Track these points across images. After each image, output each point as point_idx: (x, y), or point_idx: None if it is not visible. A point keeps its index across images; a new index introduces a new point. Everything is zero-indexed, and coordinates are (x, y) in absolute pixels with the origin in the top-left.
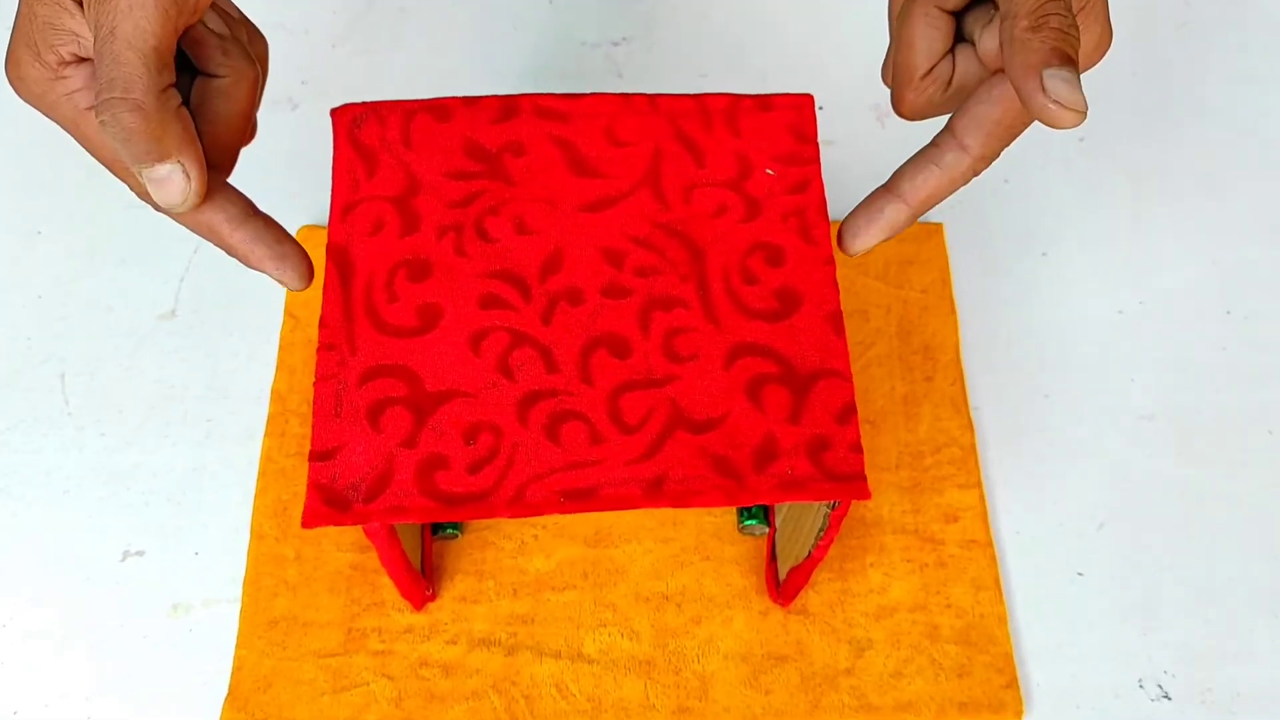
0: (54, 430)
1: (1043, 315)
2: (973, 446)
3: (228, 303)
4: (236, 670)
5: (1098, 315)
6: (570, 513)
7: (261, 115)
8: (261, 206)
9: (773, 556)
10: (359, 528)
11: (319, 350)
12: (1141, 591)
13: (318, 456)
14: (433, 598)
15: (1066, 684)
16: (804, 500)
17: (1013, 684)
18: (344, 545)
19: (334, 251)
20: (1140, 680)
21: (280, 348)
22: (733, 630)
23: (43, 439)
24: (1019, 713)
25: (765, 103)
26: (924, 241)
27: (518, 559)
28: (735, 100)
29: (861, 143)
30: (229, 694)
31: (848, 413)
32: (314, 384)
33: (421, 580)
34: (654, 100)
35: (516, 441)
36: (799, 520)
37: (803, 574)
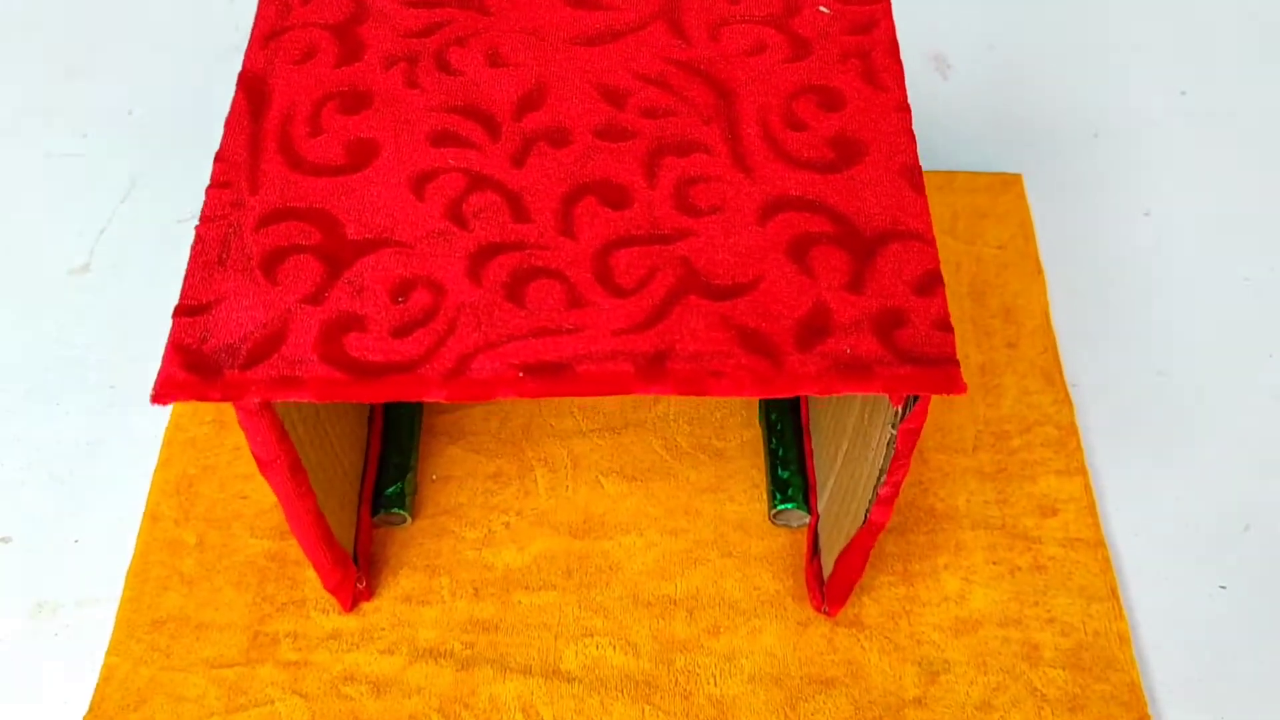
0: None
1: (1150, 281)
2: (1073, 425)
3: (154, 257)
4: (103, 682)
5: (1219, 282)
6: (531, 396)
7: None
8: (203, 151)
9: (815, 551)
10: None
11: (208, 189)
12: None
13: (185, 311)
14: (367, 595)
15: None
16: (867, 390)
17: None
18: (261, 530)
19: (247, 81)
20: None
21: None
22: (761, 645)
23: None
24: None
25: None
26: (999, 193)
27: (482, 551)
28: None
29: (921, 100)
30: (90, 710)
31: (930, 282)
32: (196, 227)
33: (346, 558)
34: None
35: (464, 302)
36: (852, 475)
37: (857, 556)
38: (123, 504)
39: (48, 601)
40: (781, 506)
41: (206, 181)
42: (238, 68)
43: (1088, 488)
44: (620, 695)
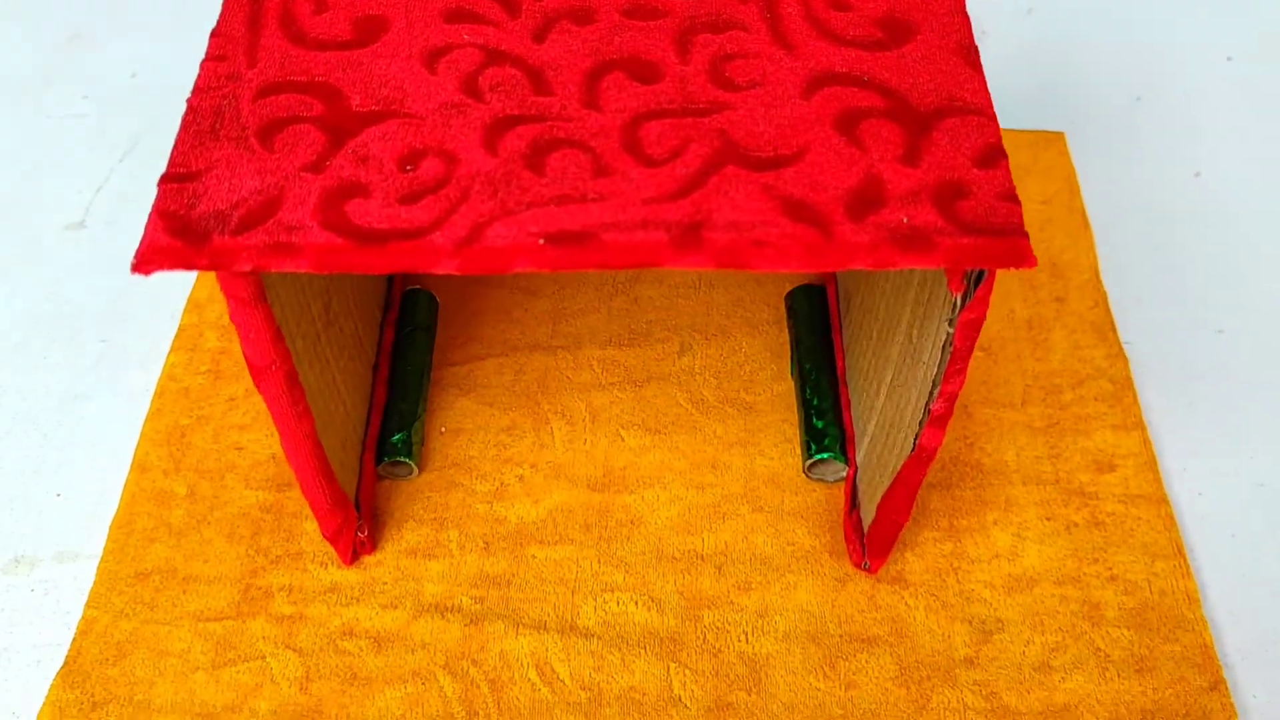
0: None
1: (1204, 242)
2: (1128, 379)
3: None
4: (81, 634)
5: (1276, 244)
6: (552, 268)
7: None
8: None
9: (854, 504)
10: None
11: (203, 63)
12: None
13: (173, 178)
14: (369, 548)
15: None
16: (927, 264)
17: (1219, 685)
18: (256, 480)
19: None
20: None
21: None
22: (796, 602)
23: None
24: None
25: None
26: (1041, 150)
27: (494, 505)
28: None
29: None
30: (64, 665)
31: (993, 155)
32: (187, 100)
33: (346, 501)
34: None
35: (479, 171)
36: (898, 406)
37: (902, 496)
38: (109, 459)
39: (25, 556)
40: (818, 457)
41: None
42: None
43: (1146, 442)
44: (643, 651)
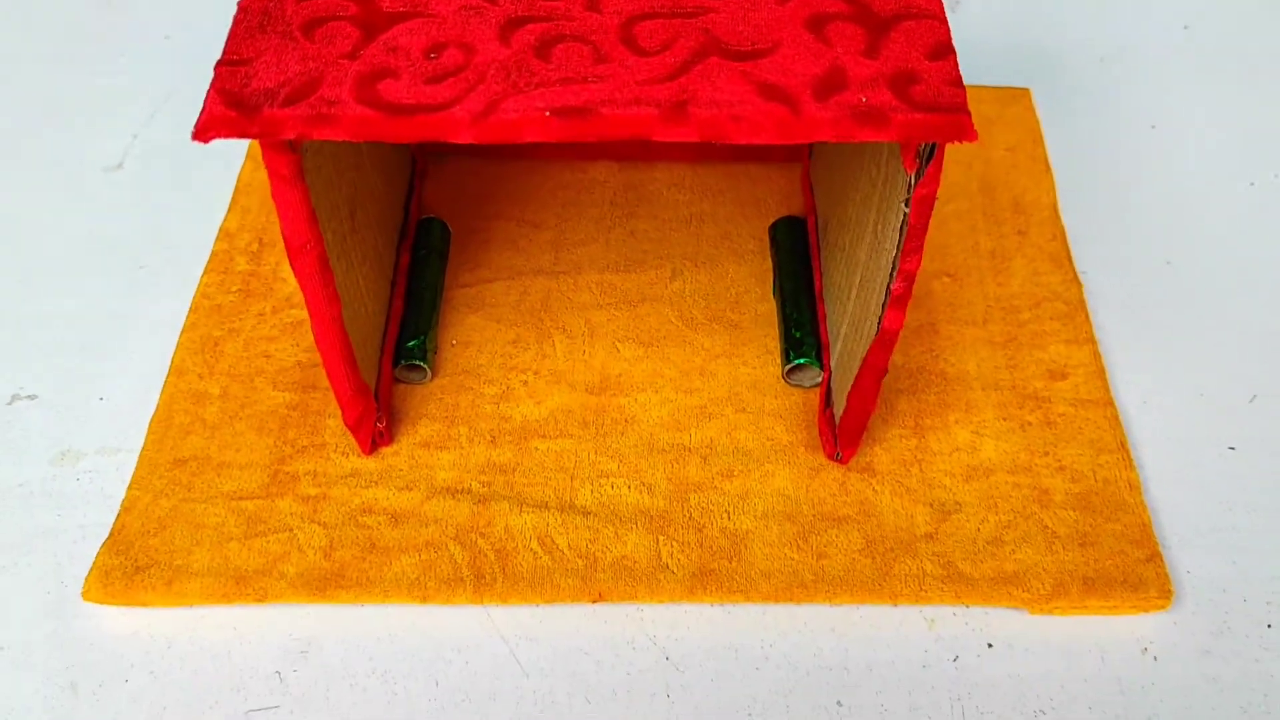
0: None
1: (1157, 186)
2: (1081, 302)
3: (184, 159)
4: (125, 511)
5: (1225, 187)
6: (556, 138)
7: None
8: None
9: (828, 404)
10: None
11: None
12: None
13: (228, 63)
14: (386, 440)
15: (1226, 572)
16: (882, 136)
17: (1155, 558)
18: (283, 383)
19: None
20: None
21: (237, 189)
22: (773, 486)
23: None
24: (1165, 593)
25: None
26: (1007, 104)
27: (500, 405)
28: None
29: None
30: (109, 537)
31: (943, 50)
32: (238, 4)
33: (367, 390)
34: None
35: (493, 59)
36: (865, 303)
37: (869, 380)
38: (148, 367)
39: (70, 450)
40: (796, 362)
41: None
42: None
43: (1096, 355)
44: (634, 527)
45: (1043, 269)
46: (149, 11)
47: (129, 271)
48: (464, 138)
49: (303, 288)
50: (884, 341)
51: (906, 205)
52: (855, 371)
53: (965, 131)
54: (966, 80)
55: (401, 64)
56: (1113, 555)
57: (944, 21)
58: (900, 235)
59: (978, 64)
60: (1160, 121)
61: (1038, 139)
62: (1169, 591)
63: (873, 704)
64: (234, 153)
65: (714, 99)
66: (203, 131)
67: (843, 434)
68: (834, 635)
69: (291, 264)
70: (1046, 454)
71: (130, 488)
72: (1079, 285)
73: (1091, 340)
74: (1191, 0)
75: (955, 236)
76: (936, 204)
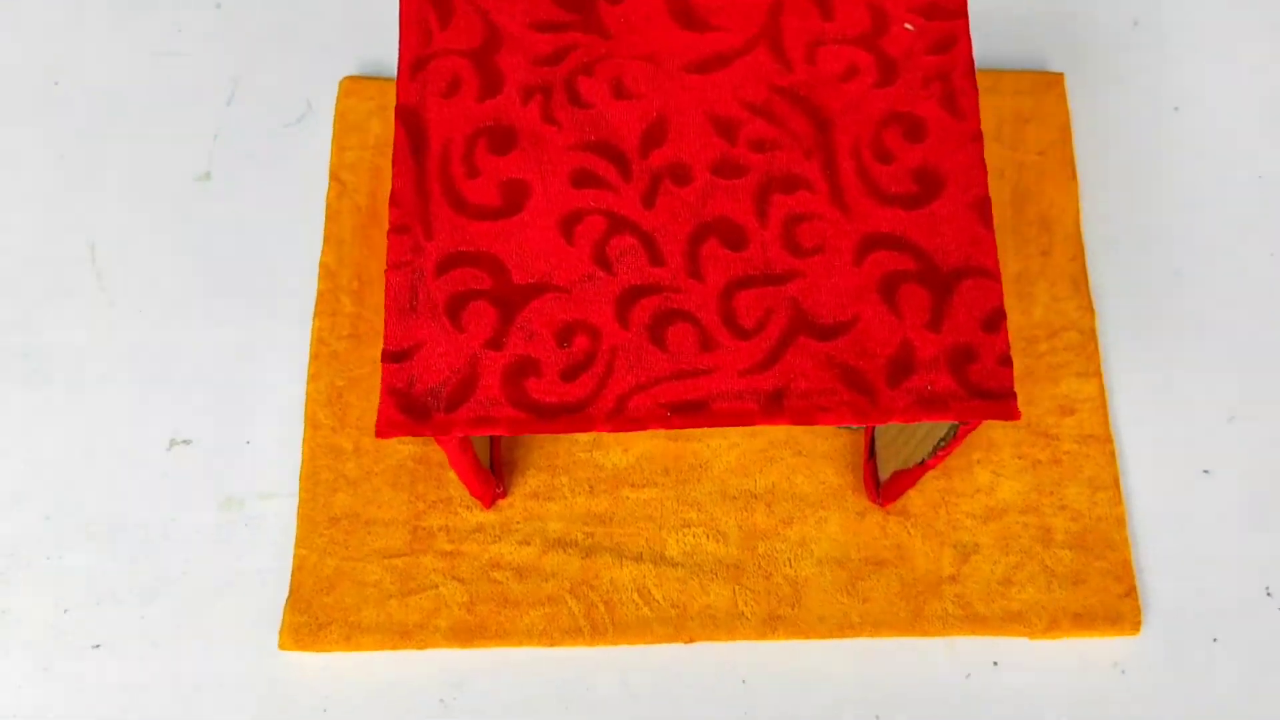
0: (87, 307)
1: (1173, 179)
2: (1093, 330)
3: (267, 164)
4: (297, 570)
5: (1236, 180)
6: (678, 428)
7: None
8: (298, 50)
9: (871, 454)
10: None
11: (390, 234)
12: (1273, 491)
13: (392, 357)
14: (503, 495)
15: (1188, 593)
16: (946, 420)
17: (1131, 593)
18: (405, 438)
19: (404, 115)
20: (1268, 588)
21: (326, 217)
22: (827, 533)
23: (76, 316)
24: (1136, 624)
25: None
26: (1043, 94)
27: (593, 453)
28: None
29: None
30: (290, 596)
31: (996, 319)
32: (386, 272)
33: (491, 479)
34: None
35: (616, 345)
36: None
37: (910, 479)
38: (280, 405)
39: (234, 496)
40: None
41: (301, 79)
42: None
43: (1102, 389)
44: (715, 578)
45: (1062, 294)
46: None
47: (241, 299)
48: (600, 430)
49: (448, 456)
50: (926, 469)
51: (952, 433)
52: (897, 461)
53: (1011, 414)
54: (1001, 53)
55: (540, 354)
56: (1098, 592)
57: (998, 280)
58: (946, 437)
59: (1011, 34)
60: (1183, 102)
61: (1068, 139)
62: (1139, 623)
63: (904, 713)
64: (317, 160)
65: (805, 388)
66: (384, 432)
67: (884, 492)
68: (874, 662)
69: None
70: (1052, 493)
71: (297, 546)
72: (1092, 313)
73: (1099, 373)
74: None
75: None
76: None
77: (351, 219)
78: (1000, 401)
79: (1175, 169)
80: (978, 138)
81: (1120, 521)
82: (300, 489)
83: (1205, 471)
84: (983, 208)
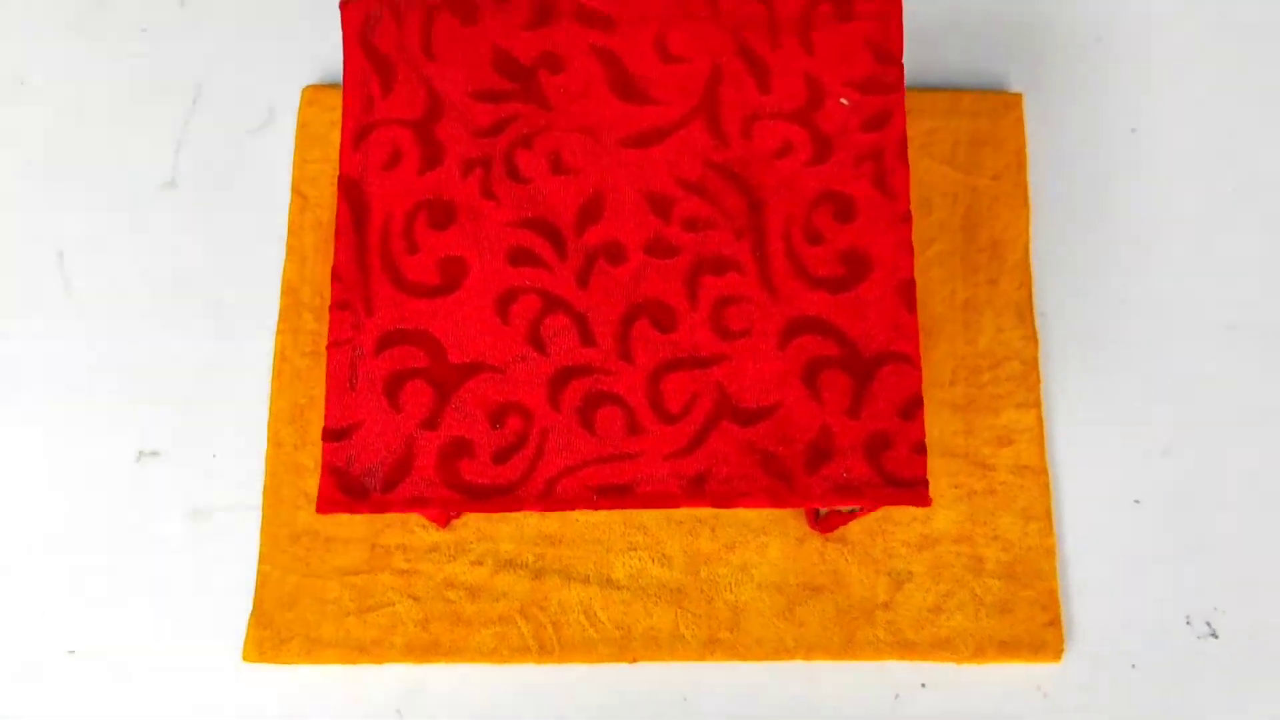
0: (54, 317)
1: (1126, 203)
2: (1035, 360)
3: (230, 171)
4: (260, 586)
5: (1188, 204)
6: (603, 509)
7: None
8: (261, 53)
9: None
10: None
11: (331, 309)
12: (1199, 523)
13: (332, 435)
14: (457, 515)
15: (1110, 620)
16: (857, 504)
17: (1055, 622)
18: None
19: (346, 187)
20: (1188, 617)
21: (289, 231)
22: (768, 558)
23: (44, 326)
24: (1058, 652)
25: (844, 8)
26: (1000, 116)
27: None
28: (809, 4)
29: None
30: (254, 611)
31: (913, 406)
32: (327, 348)
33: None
34: (713, 1)
35: (547, 427)
36: None
37: (845, 519)
38: (245, 421)
39: (201, 509)
40: None
41: (264, 82)
42: None
43: (1040, 420)
44: (659, 601)
45: (1007, 324)
46: None
47: (207, 311)
48: (530, 510)
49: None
50: (858, 516)
51: (852, 511)
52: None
53: (923, 501)
54: (963, 79)
55: (473, 434)
56: (1024, 621)
57: (917, 366)
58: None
59: (970, 50)
60: (1141, 121)
61: (1022, 163)
62: (1061, 651)
63: None
64: (279, 170)
65: (726, 474)
66: (324, 509)
67: (823, 526)
68: (809, 683)
69: None
70: (986, 523)
71: (261, 562)
72: (1036, 343)
73: (1038, 403)
74: None
75: (936, 283)
76: (921, 246)
77: (314, 234)
78: (912, 489)
79: (1128, 193)
80: (907, 219)
81: (1050, 552)
82: (263, 505)
83: (1136, 502)
84: (907, 292)
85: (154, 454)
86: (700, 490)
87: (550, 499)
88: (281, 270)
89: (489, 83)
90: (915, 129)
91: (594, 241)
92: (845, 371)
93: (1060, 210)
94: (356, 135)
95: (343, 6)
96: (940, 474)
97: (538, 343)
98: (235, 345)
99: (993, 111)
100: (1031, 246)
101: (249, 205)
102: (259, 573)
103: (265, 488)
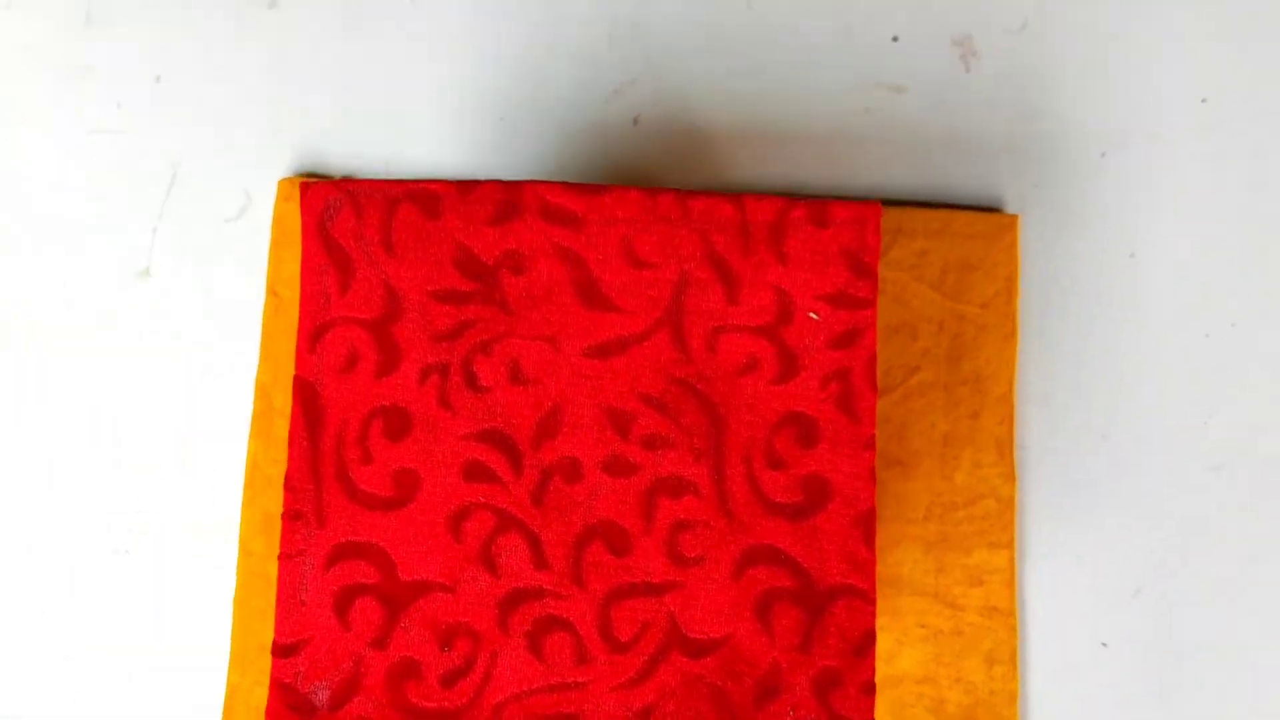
0: (25, 416)
1: (1117, 334)
2: (1011, 499)
3: (206, 262)
4: (229, 696)
5: (1181, 338)
6: None
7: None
8: (238, 135)
9: None
10: None
11: (284, 518)
12: (1166, 668)
13: (281, 651)
14: None
15: None
16: None
17: None
18: None
19: (301, 390)
20: None
21: (264, 334)
22: None
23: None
24: None
25: (820, 213)
26: (994, 240)
27: None
28: (784, 208)
29: (940, 90)
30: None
31: (866, 643)
32: (279, 558)
33: None
34: (684, 202)
35: (496, 650)
36: None
37: None
38: (219, 523)
39: (171, 610)
40: None
41: (241, 166)
42: (267, 18)
43: (1012, 560)
44: None
45: (985, 460)
46: (129, 32)
47: (183, 409)
48: None
49: None
50: None
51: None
52: None
53: None
54: (960, 193)
55: (422, 655)
56: None
57: (872, 601)
58: None
59: (970, 158)
60: (1141, 247)
61: (1013, 289)
62: None
63: None
64: (258, 246)
65: (673, 708)
66: None
67: None
68: None
69: None
70: (950, 664)
71: (230, 671)
72: (1013, 481)
73: (1011, 544)
74: (1220, 61)
75: (916, 415)
76: (905, 372)
77: (288, 338)
78: None
79: (1120, 322)
80: (870, 445)
81: (1012, 697)
82: (233, 616)
83: (1103, 645)
84: (867, 524)
85: (126, 553)
86: None
87: None
88: (255, 375)
89: (449, 282)
90: (905, 250)
91: (550, 458)
92: (798, 605)
93: (1049, 339)
94: (313, 335)
95: (303, 190)
96: (908, 613)
97: (489, 563)
98: (212, 446)
99: (986, 233)
100: (1016, 379)
101: (225, 298)
102: (228, 684)
103: (235, 598)
